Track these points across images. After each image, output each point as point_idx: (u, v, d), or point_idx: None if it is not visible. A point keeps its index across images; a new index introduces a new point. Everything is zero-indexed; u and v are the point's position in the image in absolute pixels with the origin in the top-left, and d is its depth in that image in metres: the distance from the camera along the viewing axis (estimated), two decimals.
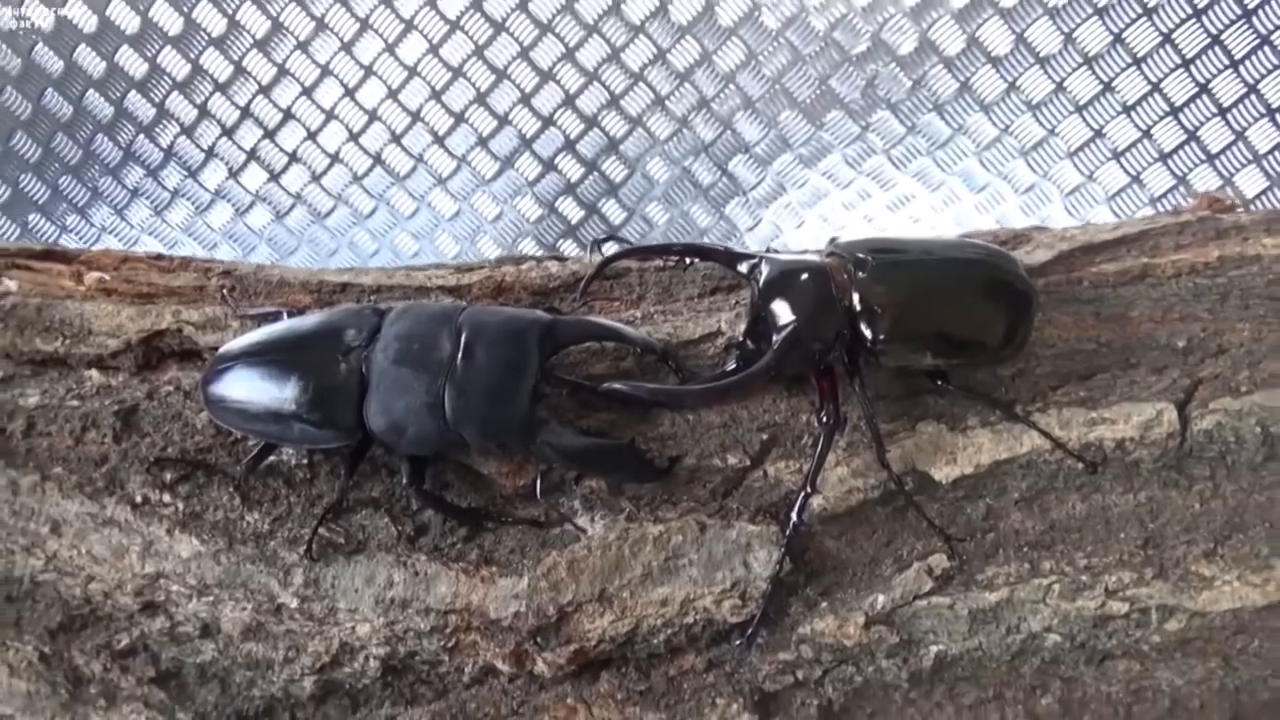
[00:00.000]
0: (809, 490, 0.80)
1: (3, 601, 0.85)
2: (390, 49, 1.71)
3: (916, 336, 0.82)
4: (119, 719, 0.83)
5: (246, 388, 0.82)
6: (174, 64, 1.73)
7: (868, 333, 0.80)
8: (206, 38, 1.71)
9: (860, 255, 0.83)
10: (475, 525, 0.84)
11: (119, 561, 0.84)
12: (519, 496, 0.85)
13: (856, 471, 0.84)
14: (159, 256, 1.03)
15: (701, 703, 0.82)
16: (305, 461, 0.87)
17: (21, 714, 0.83)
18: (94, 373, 0.90)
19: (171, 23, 1.71)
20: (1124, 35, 1.57)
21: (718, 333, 0.89)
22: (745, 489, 0.84)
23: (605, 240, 0.91)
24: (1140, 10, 1.55)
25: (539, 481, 0.83)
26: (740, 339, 0.85)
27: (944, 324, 0.83)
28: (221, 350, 0.85)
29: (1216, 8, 1.53)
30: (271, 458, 0.86)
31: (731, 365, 0.85)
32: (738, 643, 0.82)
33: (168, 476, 0.86)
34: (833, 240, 0.88)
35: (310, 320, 0.86)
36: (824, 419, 0.81)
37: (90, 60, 1.75)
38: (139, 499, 0.86)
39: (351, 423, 0.80)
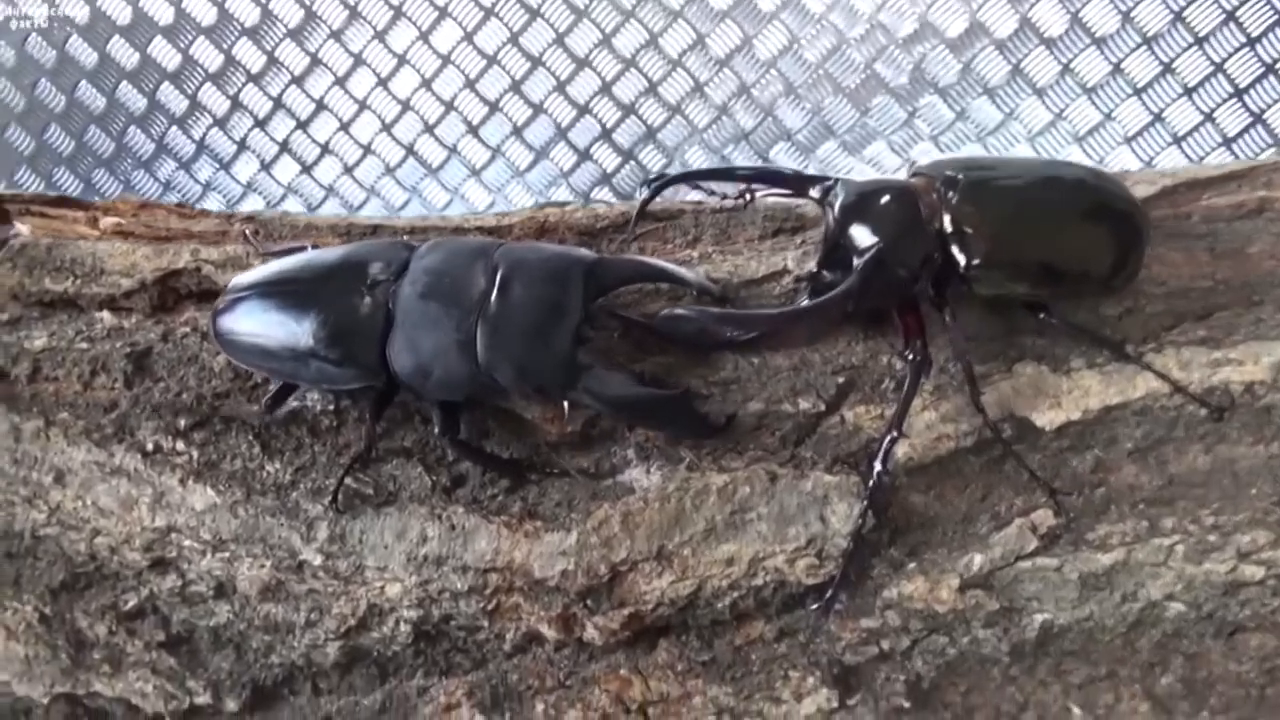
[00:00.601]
0: (894, 435, 0.71)
1: (1, 558, 0.78)
2: (424, 37, 1.66)
3: (1014, 262, 0.73)
4: (124, 686, 0.75)
5: (261, 321, 0.75)
6: (207, 55, 1.68)
7: (960, 257, 0.71)
8: (239, 28, 1.67)
9: (950, 174, 0.74)
10: (518, 476, 0.75)
11: (127, 514, 0.77)
12: (566, 444, 0.76)
13: (946, 417, 0.74)
14: (181, 204, 0.97)
15: (772, 675, 0.73)
16: (331, 408, 0.79)
17: (19, 680, 0.75)
18: (106, 314, 0.83)
19: (205, 13, 1.67)
20: (1185, 14, 1.48)
21: (784, 271, 0.81)
22: (820, 436, 0.75)
23: (658, 180, 0.83)
24: None
25: (589, 428, 0.74)
26: (814, 270, 0.76)
27: (1045, 248, 0.74)
28: (235, 280, 0.78)
29: None
30: (294, 402, 0.78)
31: (804, 300, 0.77)
32: (814, 607, 0.72)
33: (182, 423, 0.79)
34: (913, 164, 0.80)
35: (334, 252, 0.78)
36: (909, 357, 0.72)
37: (124, 52, 1.72)
38: (150, 447, 0.78)
39: (373, 362, 0.72)
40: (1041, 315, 0.74)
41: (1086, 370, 0.75)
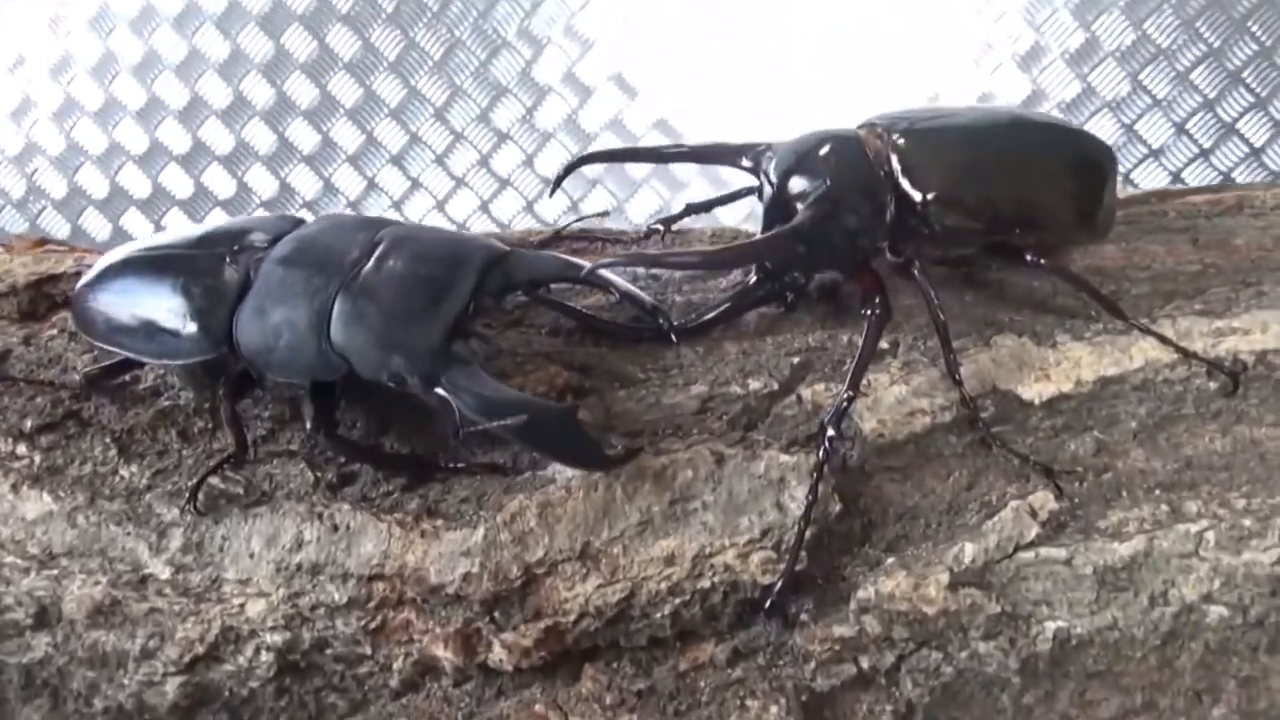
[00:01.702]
0: (850, 394, 0.60)
1: None
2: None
3: (971, 194, 0.65)
4: None
5: (116, 289, 0.66)
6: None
7: (915, 194, 0.64)
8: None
9: (895, 120, 0.68)
10: (415, 474, 0.63)
11: None
12: (479, 434, 0.65)
13: (918, 390, 0.64)
14: (88, 249, 0.89)
15: (725, 708, 0.58)
16: (207, 406, 0.68)
17: None
18: None
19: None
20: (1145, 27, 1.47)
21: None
22: (774, 418, 0.64)
23: (578, 158, 0.76)
24: None
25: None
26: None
27: (1001, 179, 0.67)
28: (107, 254, 0.69)
29: None
30: (125, 377, 0.67)
31: (753, 282, 0.68)
32: (765, 607, 0.58)
33: (28, 424, 0.67)
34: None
35: (219, 223, 0.70)
36: (866, 313, 0.63)
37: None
38: None
39: (217, 331, 0.61)
40: (1029, 258, 0.65)
41: (1075, 342, 0.66)
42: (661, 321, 0.65)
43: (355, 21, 1.57)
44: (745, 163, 0.70)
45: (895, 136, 0.66)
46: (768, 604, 0.58)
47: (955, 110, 0.74)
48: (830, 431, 0.59)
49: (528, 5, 1.53)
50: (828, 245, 0.64)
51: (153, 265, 0.66)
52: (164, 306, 0.63)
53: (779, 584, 0.58)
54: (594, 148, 1.54)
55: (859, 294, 0.65)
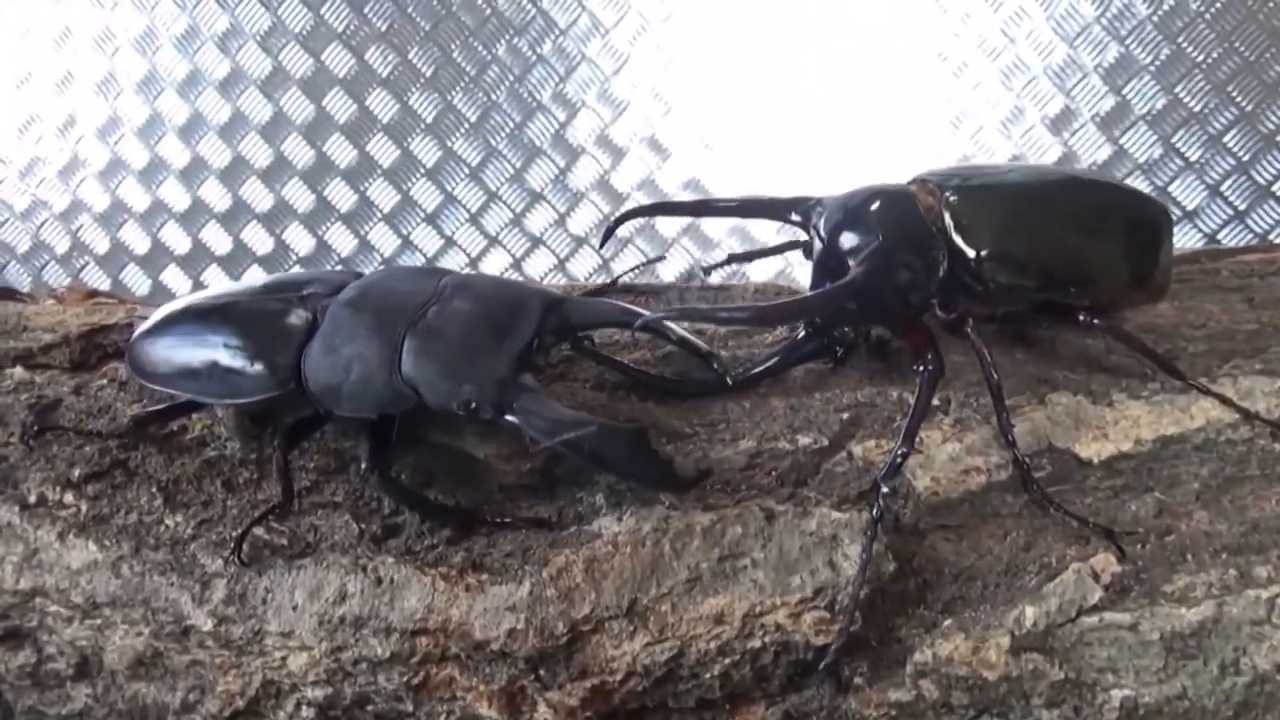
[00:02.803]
0: (904, 450, 0.59)
1: None
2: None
3: (1024, 251, 0.65)
4: None
5: (178, 334, 0.67)
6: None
7: (968, 250, 0.63)
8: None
9: (949, 176, 0.68)
10: (460, 525, 0.63)
11: None
12: (524, 489, 0.64)
13: (972, 448, 0.63)
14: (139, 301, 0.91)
15: None
16: (254, 457, 0.68)
17: None
18: (18, 369, 0.74)
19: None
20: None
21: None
22: (824, 475, 0.63)
23: (628, 211, 0.76)
24: None
25: (552, 468, 0.63)
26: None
27: (1055, 237, 0.66)
28: (165, 305, 0.70)
29: None
30: (175, 425, 0.68)
31: (801, 336, 0.68)
32: (820, 668, 0.56)
33: (76, 473, 0.67)
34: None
35: (282, 275, 0.71)
36: (919, 369, 0.62)
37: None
38: (33, 499, 0.66)
39: (284, 368, 0.63)
40: (1082, 318, 0.64)
41: (1132, 401, 0.65)
42: (716, 366, 0.65)
43: (394, 85, 1.60)
44: (795, 217, 0.70)
45: (948, 193, 0.66)
46: (821, 666, 0.57)
47: (1008, 167, 0.74)
48: (884, 488, 0.58)
49: (562, 70, 1.56)
50: (880, 301, 0.63)
51: (218, 311, 0.67)
52: (230, 346, 0.64)
53: (833, 645, 0.56)
54: (626, 207, 1.56)
55: (910, 349, 0.64)
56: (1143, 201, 0.72)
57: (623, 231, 1.56)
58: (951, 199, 0.65)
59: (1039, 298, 0.66)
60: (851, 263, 0.63)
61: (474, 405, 0.59)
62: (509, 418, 0.59)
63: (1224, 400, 0.63)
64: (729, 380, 0.66)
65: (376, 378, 0.60)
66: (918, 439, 0.61)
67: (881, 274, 0.63)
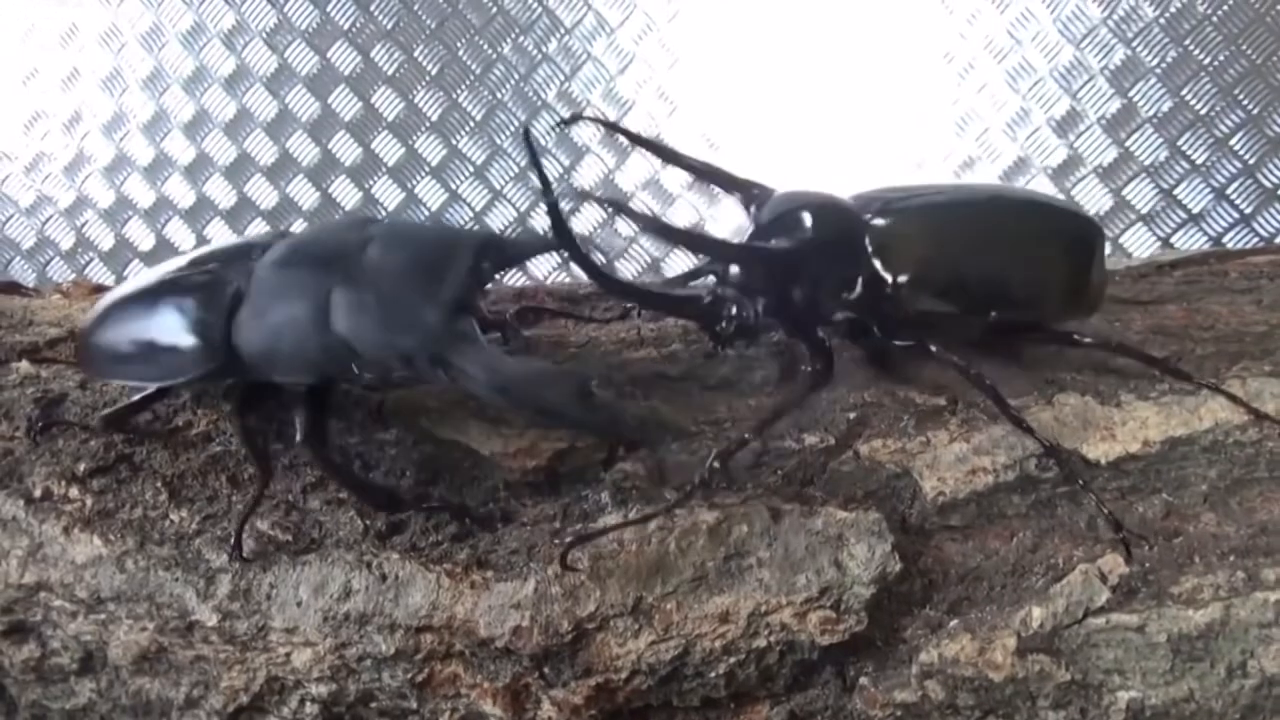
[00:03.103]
0: (748, 436, 0.60)
1: None
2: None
3: (942, 274, 0.65)
4: None
5: (114, 323, 0.66)
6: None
7: (886, 274, 0.63)
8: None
9: (873, 199, 0.68)
10: (387, 506, 0.62)
11: None
12: (528, 486, 0.64)
13: (979, 449, 0.63)
14: None
15: None
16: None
17: None
18: (23, 364, 0.74)
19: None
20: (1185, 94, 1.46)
21: None
22: (831, 474, 0.63)
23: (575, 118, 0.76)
24: None
25: (557, 464, 0.63)
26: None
27: (978, 258, 0.66)
28: (105, 295, 0.70)
29: None
30: (147, 416, 0.67)
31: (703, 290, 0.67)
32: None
33: (81, 467, 0.67)
34: None
35: (211, 247, 0.70)
36: (807, 367, 0.63)
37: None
38: (38, 493, 0.66)
39: (216, 339, 0.60)
40: (1076, 337, 0.64)
41: (1139, 402, 0.65)
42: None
43: (399, 83, 1.60)
44: (740, 196, 0.70)
45: (872, 217, 0.65)
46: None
47: (935, 188, 0.74)
48: (714, 464, 0.59)
49: (567, 69, 1.56)
50: (790, 288, 0.63)
51: (147, 293, 0.66)
52: (160, 327, 0.62)
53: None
54: (630, 205, 1.56)
55: (806, 355, 0.64)
56: (1070, 218, 0.71)
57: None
58: (873, 224, 0.65)
59: (965, 319, 0.65)
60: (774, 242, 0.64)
61: (411, 358, 0.56)
62: (448, 369, 0.56)
63: (1235, 400, 0.63)
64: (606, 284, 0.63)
65: (309, 339, 0.57)
66: (923, 439, 0.60)
67: (797, 263, 0.63)
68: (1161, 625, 0.57)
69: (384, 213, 1.64)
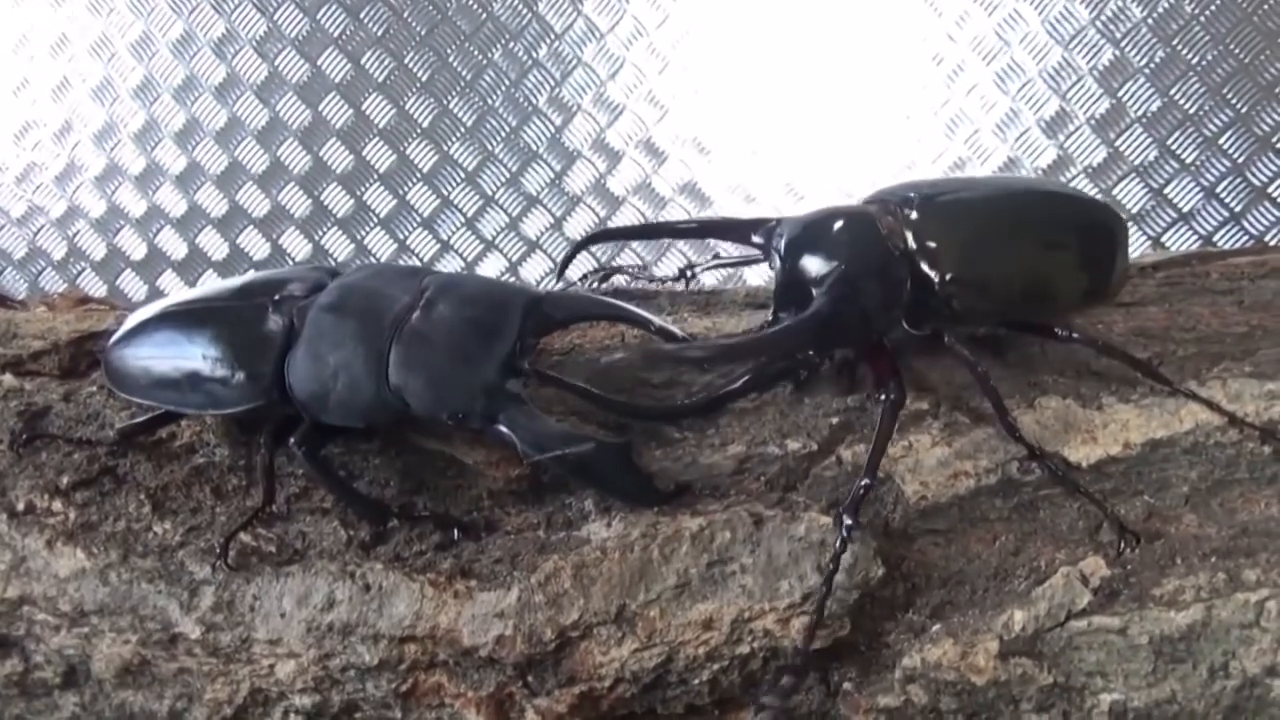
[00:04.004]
0: (866, 483, 0.59)
1: None
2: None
3: (989, 272, 0.64)
4: None
5: (153, 342, 0.66)
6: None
7: (932, 274, 0.62)
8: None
9: (906, 195, 0.67)
10: (375, 517, 0.63)
11: None
12: (512, 495, 0.64)
13: (962, 453, 0.63)
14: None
15: None
16: (242, 463, 0.68)
17: None
18: (7, 376, 0.74)
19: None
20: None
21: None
22: (814, 479, 0.63)
23: (586, 237, 0.76)
24: None
25: (540, 474, 0.63)
26: (769, 321, 0.66)
27: (1018, 254, 0.65)
28: (137, 311, 0.70)
29: None
30: (162, 433, 0.67)
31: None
32: (783, 680, 0.56)
33: (64, 480, 0.67)
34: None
35: (252, 275, 0.70)
36: (882, 397, 0.61)
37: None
38: (21, 506, 0.66)
39: (267, 377, 0.62)
40: (1060, 332, 0.64)
41: (1121, 404, 0.65)
42: (682, 400, 0.65)
43: (390, 90, 1.60)
44: (756, 239, 0.68)
45: (908, 212, 0.65)
46: (771, 691, 0.56)
47: (964, 182, 0.73)
48: (848, 520, 0.58)
49: (558, 75, 1.56)
50: (843, 329, 0.62)
51: (193, 318, 0.66)
52: (209, 357, 0.63)
53: (786, 675, 0.56)
54: (622, 212, 1.56)
55: (873, 377, 0.63)
56: (1099, 210, 0.71)
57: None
58: (913, 217, 0.64)
59: (1005, 316, 0.65)
60: (814, 290, 0.62)
61: (462, 415, 0.59)
62: (498, 427, 0.59)
63: (1211, 405, 0.63)
64: (688, 404, 0.65)
65: (364, 388, 0.60)
66: (906, 443, 0.60)
67: (844, 303, 0.61)
68: (1143, 627, 0.57)
69: (376, 220, 1.64)
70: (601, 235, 0.75)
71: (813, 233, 0.65)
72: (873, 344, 0.64)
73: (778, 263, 0.65)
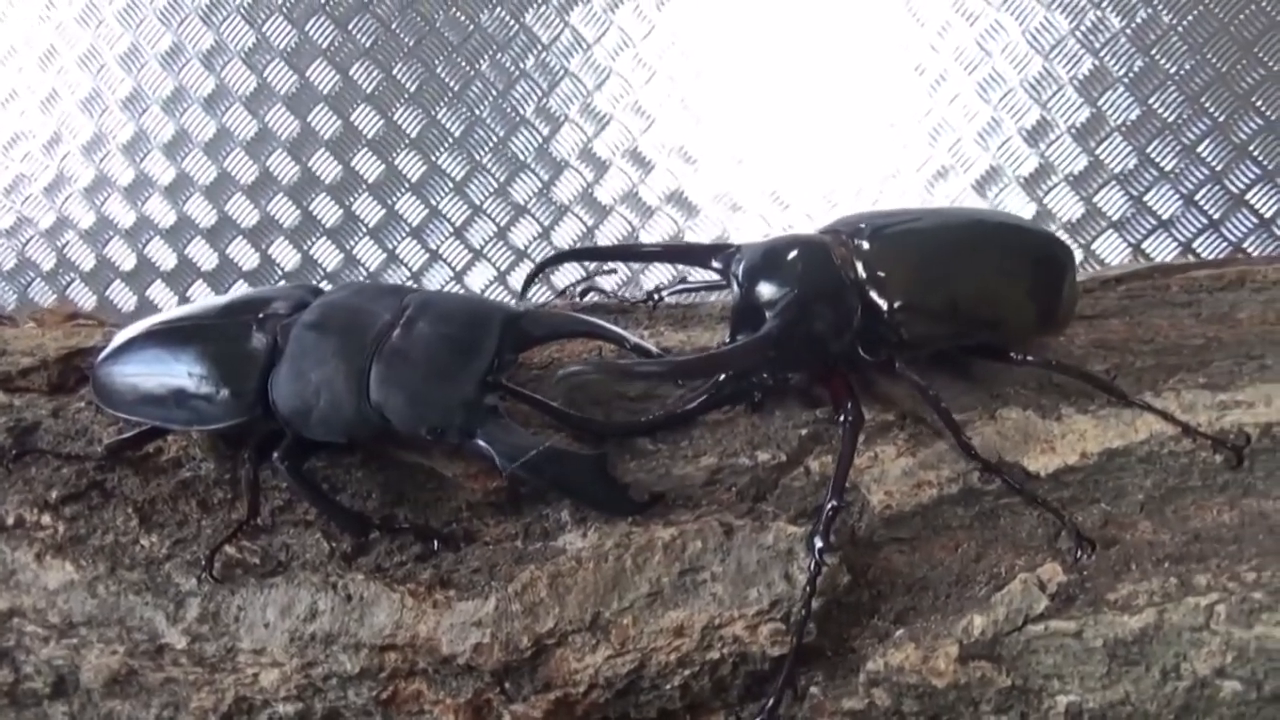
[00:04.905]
0: (834, 504, 0.60)
1: None
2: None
3: (938, 300, 0.66)
4: None
5: (139, 360, 0.68)
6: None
7: (881, 302, 0.65)
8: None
9: (858, 226, 0.69)
10: (356, 530, 0.65)
11: None
12: (490, 506, 0.66)
13: (925, 463, 0.65)
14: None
15: None
16: (228, 477, 0.70)
17: None
18: None
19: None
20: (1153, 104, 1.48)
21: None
22: (783, 490, 0.65)
23: (551, 257, 0.78)
24: None
25: (518, 486, 0.65)
26: (723, 343, 0.68)
27: (967, 282, 0.67)
28: (125, 329, 0.71)
29: None
30: (149, 448, 0.69)
31: (721, 379, 0.68)
32: (768, 701, 0.58)
33: (53, 494, 0.69)
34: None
35: (238, 294, 0.72)
36: (841, 419, 0.63)
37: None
38: (10, 520, 0.68)
39: (250, 394, 0.64)
40: (1015, 356, 0.66)
41: (1079, 415, 0.67)
42: (644, 418, 0.67)
43: (378, 100, 1.61)
44: (715, 264, 0.70)
45: (858, 241, 0.67)
46: (774, 691, 0.58)
47: (916, 213, 0.76)
48: (819, 543, 0.60)
49: (545, 85, 1.58)
50: (796, 351, 0.64)
51: (178, 335, 0.68)
52: (195, 374, 0.65)
53: (771, 698, 0.58)
54: (609, 221, 1.58)
55: (831, 399, 0.65)
56: (1046, 240, 0.73)
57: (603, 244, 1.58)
58: (863, 247, 0.66)
59: (953, 344, 0.67)
60: (768, 313, 0.64)
61: (441, 430, 0.61)
62: (475, 442, 0.61)
63: (1165, 416, 0.65)
64: (644, 422, 0.67)
65: (345, 404, 0.61)
66: (873, 453, 0.62)
67: (796, 326, 0.63)
68: (1098, 631, 0.59)
69: (364, 230, 1.65)
70: (565, 255, 0.78)
71: (768, 259, 0.67)
72: (827, 369, 0.66)
73: (735, 288, 0.67)
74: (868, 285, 0.65)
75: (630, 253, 0.78)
